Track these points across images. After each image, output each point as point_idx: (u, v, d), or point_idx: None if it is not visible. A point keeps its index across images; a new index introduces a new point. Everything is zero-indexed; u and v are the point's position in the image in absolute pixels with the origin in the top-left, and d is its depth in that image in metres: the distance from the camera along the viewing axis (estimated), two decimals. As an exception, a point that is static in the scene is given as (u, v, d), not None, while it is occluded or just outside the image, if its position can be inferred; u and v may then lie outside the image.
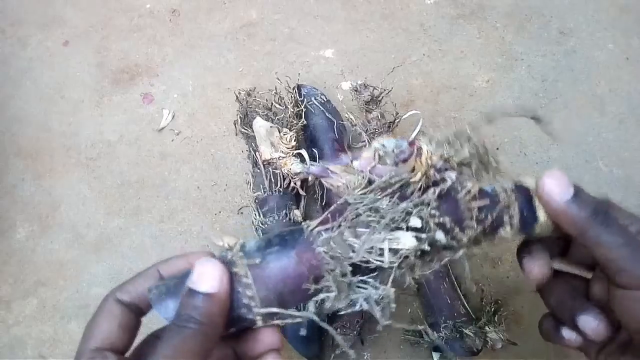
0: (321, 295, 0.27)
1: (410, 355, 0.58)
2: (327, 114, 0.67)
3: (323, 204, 0.64)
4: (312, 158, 0.63)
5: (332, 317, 0.57)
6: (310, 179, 0.61)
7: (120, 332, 0.28)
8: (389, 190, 0.29)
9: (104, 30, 0.82)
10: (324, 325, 0.28)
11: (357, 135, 0.66)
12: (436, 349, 0.56)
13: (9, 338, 0.61)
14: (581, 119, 0.70)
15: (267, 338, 0.29)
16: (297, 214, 0.61)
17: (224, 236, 0.29)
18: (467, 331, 0.52)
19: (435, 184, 0.29)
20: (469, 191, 0.29)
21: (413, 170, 0.30)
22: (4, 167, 0.72)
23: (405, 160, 0.30)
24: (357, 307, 0.28)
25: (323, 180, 0.32)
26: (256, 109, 0.65)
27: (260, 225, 0.60)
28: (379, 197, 0.28)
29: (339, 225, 0.28)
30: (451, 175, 0.29)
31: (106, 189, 0.69)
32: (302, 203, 0.64)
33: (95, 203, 0.69)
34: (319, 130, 0.66)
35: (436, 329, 0.55)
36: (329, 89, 0.75)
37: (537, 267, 0.32)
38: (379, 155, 0.29)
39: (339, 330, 0.56)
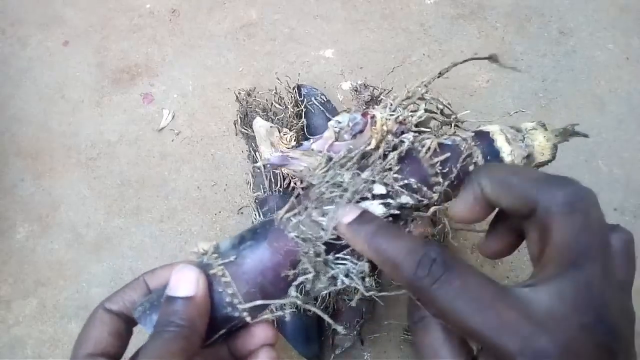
0: (300, 279, 0.28)
1: (410, 355, 0.58)
2: (327, 114, 0.67)
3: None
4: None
5: (332, 317, 0.57)
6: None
7: (111, 339, 0.28)
8: (349, 164, 0.29)
9: (104, 30, 0.82)
10: (312, 308, 0.28)
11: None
12: (436, 349, 0.56)
13: (9, 338, 0.61)
14: (581, 119, 0.70)
15: (260, 333, 0.29)
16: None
17: (198, 242, 0.29)
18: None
19: (395, 148, 0.29)
20: (428, 148, 0.29)
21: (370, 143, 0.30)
22: (4, 167, 0.72)
23: (361, 132, 0.30)
24: (339, 284, 0.28)
25: (285, 169, 0.32)
26: (256, 109, 0.65)
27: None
28: (340, 172, 0.28)
29: (306, 208, 0.28)
30: (408, 137, 0.29)
31: (106, 189, 0.69)
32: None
33: (95, 203, 0.69)
34: (319, 130, 0.66)
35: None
36: (329, 89, 0.75)
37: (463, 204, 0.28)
38: (335, 132, 0.30)
39: (339, 330, 0.56)
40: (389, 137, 0.29)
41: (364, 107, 0.60)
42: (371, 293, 0.27)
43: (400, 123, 0.30)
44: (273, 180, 0.61)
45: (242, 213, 0.67)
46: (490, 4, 0.80)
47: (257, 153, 0.63)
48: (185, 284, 0.27)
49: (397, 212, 0.28)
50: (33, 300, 0.63)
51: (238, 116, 0.68)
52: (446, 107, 0.32)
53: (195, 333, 0.26)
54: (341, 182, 0.28)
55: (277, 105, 0.66)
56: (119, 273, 0.64)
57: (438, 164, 0.29)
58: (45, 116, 0.75)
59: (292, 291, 0.28)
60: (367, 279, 0.27)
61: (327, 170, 0.29)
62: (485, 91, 0.73)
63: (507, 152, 0.30)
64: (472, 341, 0.22)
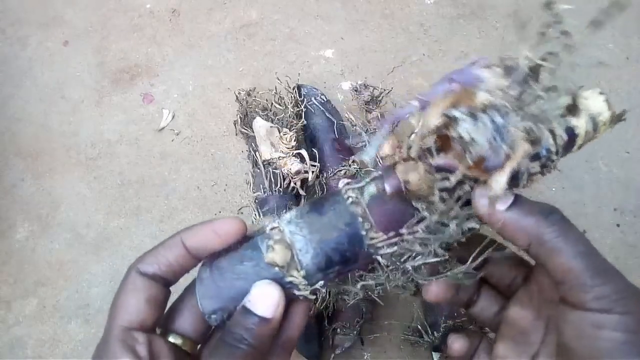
0: (370, 282, 0.28)
1: (410, 355, 0.58)
2: (327, 114, 0.67)
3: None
4: (312, 158, 0.63)
5: (332, 317, 0.57)
6: (310, 178, 0.61)
7: (148, 308, 0.26)
8: (464, 213, 0.26)
9: (104, 30, 0.82)
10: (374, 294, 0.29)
11: (357, 135, 0.66)
12: (436, 349, 0.56)
13: (9, 338, 0.61)
14: (581, 119, 0.70)
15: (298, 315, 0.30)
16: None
17: (274, 254, 0.27)
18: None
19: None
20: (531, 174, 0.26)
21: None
22: (4, 167, 0.72)
23: (492, 169, 0.24)
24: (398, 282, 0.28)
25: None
26: (256, 109, 0.65)
27: (260, 225, 0.60)
28: (454, 229, 0.26)
29: (401, 241, 0.26)
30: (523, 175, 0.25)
31: (106, 189, 0.69)
32: (302, 203, 0.64)
33: (95, 203, 0.69)
34: (319, 130, 0.66)
35: (436, 329, 0.55)
36: (329, 89, 0.75)
37: (435, 287, 0.30)
38: (464, 148, 0.24)
39: (339, 330, 0.56)
40: None
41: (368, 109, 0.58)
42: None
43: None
44: (273, 180, 0.61)
45: (242, 213, 0.67)
46: (490, 4, 0.80)
47: (257, 153, 0.63)
48: (266, 303, 0.26)
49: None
50: (33, 300, 0.63)
51: (238, 116, 0.68)
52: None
53: (262, 357, 0.26)
54: (449, 237, 0.26)
55: (277, 105, 0.66)
56: (119, 273, 0.64)
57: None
58: (45, 116, 0.75)
59: (359, 287, 0.28)
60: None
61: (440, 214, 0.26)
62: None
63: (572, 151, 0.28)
64: (562, 281, 0.24)
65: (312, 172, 0.61)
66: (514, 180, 0.25)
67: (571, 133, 0.27)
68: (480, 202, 0.25)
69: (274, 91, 0.67)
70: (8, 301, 0.63)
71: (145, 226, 0.67)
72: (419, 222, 0.26)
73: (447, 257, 0.26)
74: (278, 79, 0.70)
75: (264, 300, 0.26)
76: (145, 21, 0.82)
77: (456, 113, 0.23)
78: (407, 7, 0.81)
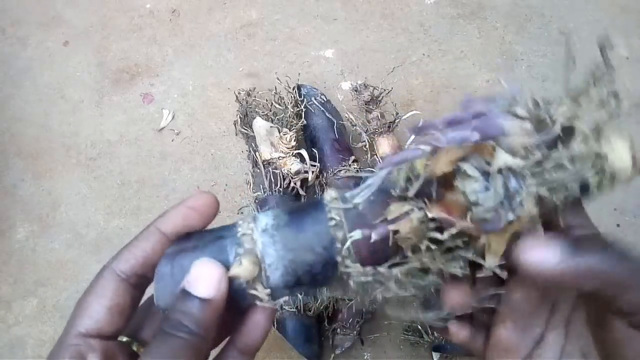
0: (337, 294, 0.27)
1: (410, 355, 0.58)
2: (327, 114, 0.67)
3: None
4: (312, 158, 0.63)
5: (332, 317, 0.57)
6: (310, 178, 0.61)
7: (112, 315, 0.25)
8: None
9: (104, 30, 0.82)
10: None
11: (357, 135, 0.66)
12: (436, 348, 0.56)
13: (9, 338, 0.61)
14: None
15: (261, 321, 0.27)
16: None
17: (239, 268, 0.26)
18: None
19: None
20: None
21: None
22: (4, 167, 0.72)
23: (492, 230, 0.22)
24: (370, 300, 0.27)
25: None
26: (256, 109, 0.65)
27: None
28: (432, 277, 0.24)
29: (376, 274, 0.24)
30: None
31: (106, 189, 0.69)
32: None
33: (95, 203, 0.69)
34: (319, 130, 0.66)
35: (436, 329, 0.55)
36: (329, 89, 0.75)
37: (456, 294, 0.27)
38: (468, 209, 0.22)
39: (339, 330, 0.56)
40: None
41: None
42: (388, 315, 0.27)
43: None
44: (273, 180, 0.61)
45: (242, 213, 0.67)
46: (490, 4, 0.80)
47: (257, 153, 0.63)
48: (206, 282, 0.23)
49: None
50: (33, 300, 0.63)
51: (238, 116, 0.68)
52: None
53: (207, 343, 0.24)
54: (419, 283, 0.25)
55: (277, 105, 0.66)
56: (119, 273, 0.64)
57: None
58: (45, 116, 0.75)
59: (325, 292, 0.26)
60: None
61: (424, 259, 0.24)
62: (485, 91, 0.73)
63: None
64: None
65: (312, 172, 0.61)
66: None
67: (584, 188, 0.24)
68: (533, 258, 0.22)
69: (274, 91, 0.67)
70: (8, 301, 0.63)
71: (145, 226, 0.67)
72: (399, 264, 0.24)
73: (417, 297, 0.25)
74: (278, 79, 0.70)
75: (204, 279, 0.23)
76: (145, 21, 0.82)
77: (469, 169, 0.22)
78: (407, 7, 0.81)
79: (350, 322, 0.56)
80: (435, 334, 0.55)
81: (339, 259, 0.24)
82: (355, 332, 0.56)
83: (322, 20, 0.81)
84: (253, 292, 0.24)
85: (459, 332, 0.29)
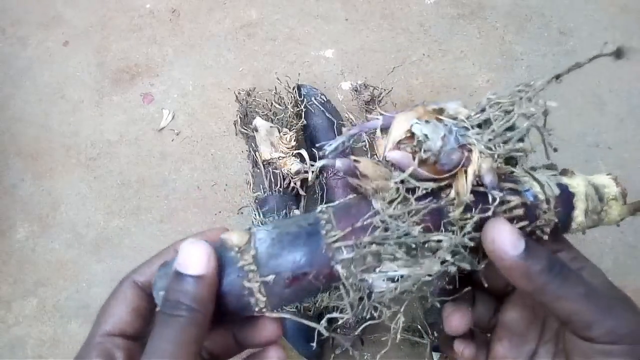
0: (335, 315, 0.27)
1: (410, 355, 0.58)
2: (327, 114, 0.67)
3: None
4: (312, 158, 0.63)
5: (332, 317, 0.57)
6: (310, 178, 0.61)
7: (133, 317, 0.27)
8: (423, 211, 0.25)
9: (104, 30, 0.82)
10: (329, 334, 0.27)
11: (357, 135, 0.66)
12: (436, 348, 0.56)
13: (9, 338, 0.61)
14: (581, 119, 0.70)
15: (270, 327, 0.28)
16: (297, 214, 0.61)
17: (232, 234, 0.27)
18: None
19: (477, 202, 0.26)
20: (510, 209, 0.26)
21: (455, 175, 0.26)
22: (4, 167, 0.72)
23: (449, 170, 0.25)
24: (367, 323, 0.27)
25: (349, 179, 0.27)
26: (256, 109, 0.65)
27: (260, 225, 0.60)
28: (411, 225, 0.25)
29: (364, 246, 0.25)
30: (496, 195, 0.25)
31: (106, 189, 0.69)
32: (302, 203, 0.64)
33: (95, 203, 0.69)
34: (319, 130, 0.66)
35: (436, 329, 0.55)
36: (329, 89, 0.75)
37: (459, 318, 0.30)
38: (418, 148, 0.25)
39: (339, 330, 0.56)
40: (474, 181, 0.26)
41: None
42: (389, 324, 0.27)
43: (497, 170, 0.26)
44: (273, 180, 0.61)
45: (242, 213, 0.67)
46: (490, 4, 0.80)
47: (257, 153, 0.63)
48: (195, 261, 0.25)
49: (453, 271, 0.26)
50: (33, 300, 0.63)
51: (238, 116, 0.68)
52: (546, 144, 0.28)
53: (207, 318, 0.25)
54: (408, 243, 0.25)
55: (277, 105, 0.66)
56: (119, 273, 0.64)
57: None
58: (45, 116, 0.75)
59: (324, 322, 0.26)
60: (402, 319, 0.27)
61: (397, 214, 0.25)
62: (485, 91, 0.73)
63: (578, 222, 0.28)
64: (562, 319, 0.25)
65: (312, 172, 0.61)
66: (531, 227, 0.27)
67: (565, 189, 0.28)
68: (495, 238, 0.25)
69: (274, 91, 0.67)
70: (8, 301, 0.63)
71: (145, 226, 0.67)
72: (374, 215, 0.26)
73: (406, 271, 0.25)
74: (278, 79, 0.70)
75: (193, 257, 0.25)
76: (145, 21, 0.82)
77: (415, 121, 0.26)
78: (407, 7, 0.81)
79: (350, 323, 0.56)
80: (435, 334, 0.55)
81: (322, 231, 0.26)
82: (355, 332, 0.56)
83: (322, 20, 0.80)
84: (241, 263, 0.26)
85: (465, 351, 0.31)
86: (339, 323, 0.28)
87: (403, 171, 0.26)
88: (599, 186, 0.29)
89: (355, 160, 0.26)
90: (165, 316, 0.24)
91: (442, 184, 0.26)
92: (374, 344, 0.58)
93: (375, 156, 0.28)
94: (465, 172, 0.26)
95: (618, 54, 0.28)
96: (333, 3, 0.82)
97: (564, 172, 0.30)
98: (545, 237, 0.28)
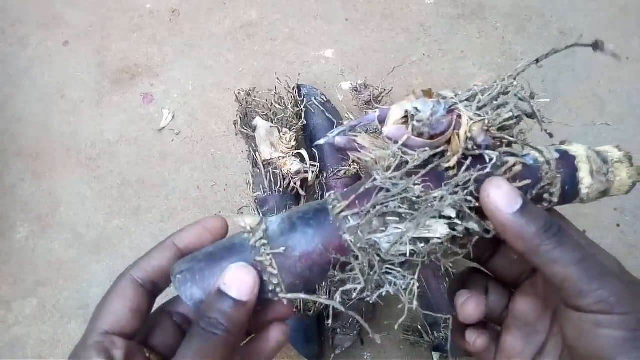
0: (348, 286, 0.27)
1: (410, 355, 0.58)
2: (327, 114, 0.67)
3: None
4: (312, 158, 0.63)
5: (333, 317, 0.57)
6: (310, 178, 0.61)
7: (131, 316, 0.27)
8: (422, 172, 0.26)
9: (104, 30, 0.82)
10: (345, 310, 0.27)
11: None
12: (436, 348, 0.56)
13: (9, 338, 0.61)
14: (581, 119, 0.70)
15: (281, 309, 0.29)
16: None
17: (245, 217, 0.28)
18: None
19: (473, 160, 0.27)
20: (509, 169, 0.26)
21: (449, 142, 0.27)
22: (4, 167, 0.72)
23: (442, 133, 0.26)
24: (382, 291, 0.27)
25: (349, 153, 0.28)
26: (256, 109, 0.65)
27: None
28: (411, 183, 0.26)
29: (368, 212, 0.26)
30: (492, 155, 0.26)
31: (106, 189, 0.69)
32: (302, 203, 0.64)
33: (95, 203, 0.69)
34: (319, 130, 0.66)
35: (436, 329, 0.55)
36: (329, 89, 0.75)
37: (474, 306, 0.29)
38: (411, 121, 0.26)
39: (339, 330, 0.56)
40: (469, 144, 0.26)
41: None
42: (413, 305, 0.27)
43: (487, 130, 0.27)
44: (273, 180, 0.61)
45: (242, 213, 0.67)
46: (490, 4, 0.80)
47: (257, 153, 0.63)
48: (241, 286, 0.25)
49: (460, 235, 0.26)
50: (33, 300, 0.63)
51: (238, 116, 0.68)
52: (535, 112, 0.28)
53: (239, 340, 0.26)
54: (412, 198, 0.26)
55: (277, 105, 0.66)
56: (119, 273, 0.64)
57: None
58: (45, 116, 0.75)
59: (338, 296, 0.27)
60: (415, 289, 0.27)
61: (397, 176, 0.26)
62: (485, 91, 0.73)
63: (587, 185, 0.28)
64: (561, 287, 0.25)
65: (312, 172, 0.61)
66: (536, 190, 0.27)
67: (565, 153, 0.28)
68: (490, 193, 0.25)
69: (274, 91, 0.67)
70: (8, 301, 0.63)
71: (145, 226, 0.67)
72: (373, 180, 0.27)
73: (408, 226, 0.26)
74: (278, 79, 0.70)
75: (239, 282, 0.25)
76: (145, 21, 0.82)
77: (409, 102, 0.28)
78: (407, 7, 0.81)
79: (350, 322, 0.56)
80: (435, 334, 0.55)
81: (330, 206, 0.27)
82: (355, 332, 0.56)
83: (322, 20, 0.80)
84: (253, 241, 0.27)
85: (477, 341, 0.31)
86: (354, 296, 0.27)
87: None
88: (600, 151, 0.30)
89: (353, 135, 0.28)
90: (202, 330, 0.25)
91: (438, 150, 0.27)
92: (374, 344, 0.58)
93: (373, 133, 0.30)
94: (458, 135, 0.27)
95: (596, 45, 0.29)
96: (333, 3, 0.82)
97: (562, 143, 0.30)
98: (555, 200, 0.28)
